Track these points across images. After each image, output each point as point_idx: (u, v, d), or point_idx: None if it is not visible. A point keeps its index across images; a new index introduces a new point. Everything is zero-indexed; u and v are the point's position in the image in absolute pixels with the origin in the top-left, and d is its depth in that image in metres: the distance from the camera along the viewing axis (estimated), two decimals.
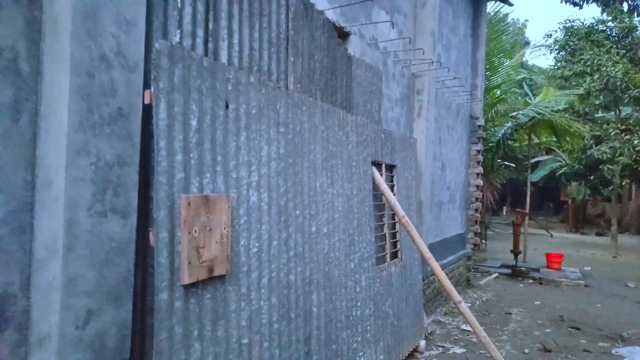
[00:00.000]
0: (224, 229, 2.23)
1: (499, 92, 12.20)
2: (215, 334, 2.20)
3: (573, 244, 16.56)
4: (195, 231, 2.05)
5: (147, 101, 1.97)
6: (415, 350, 4.98)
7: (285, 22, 3.15)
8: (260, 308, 2.53)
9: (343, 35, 4.15)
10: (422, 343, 5.15)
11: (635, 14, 20.38)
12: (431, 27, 5.81)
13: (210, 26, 2.58)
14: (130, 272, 2.05)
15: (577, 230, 20.70)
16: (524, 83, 18.40)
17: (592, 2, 20.79)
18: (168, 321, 1.95)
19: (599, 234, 19.62)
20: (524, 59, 34.87)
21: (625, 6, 20.73)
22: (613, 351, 5.45)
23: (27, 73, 1.79)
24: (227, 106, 2.33)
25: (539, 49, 24.75)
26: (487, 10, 9.46)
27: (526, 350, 5.35)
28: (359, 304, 3.69)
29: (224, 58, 2.62)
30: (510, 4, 9.09)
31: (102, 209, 1.90)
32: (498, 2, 9.31)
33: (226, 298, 2.28)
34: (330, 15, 3.83)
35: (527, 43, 38.99)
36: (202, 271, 2.08)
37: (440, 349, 5.30)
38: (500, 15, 10.50)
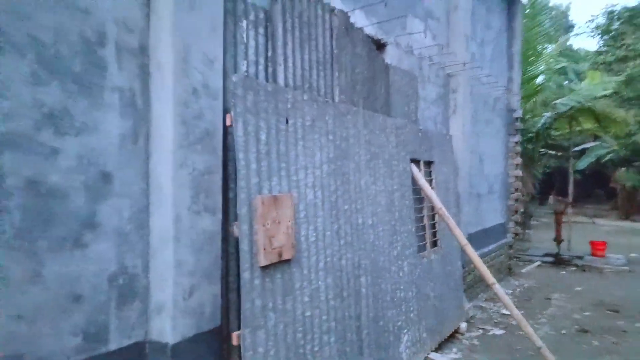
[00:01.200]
0: (289, 221, 2.74)
1: (539, 82, 12.16)
2: (285, 306, 2.72)
3: (622, 231, 16.15)
4: (268, 224, 2.57)
5: (228, 123, 2.51)
6: (456, 331, 5.36)
7: (330, 42, 3.62)
8: (319, 287, 3.04)
9: (380, 46, 4.57)
10: (464, 325, 5.51)
11: None
12: (464, 29, 6.11)
13: (269, 54, 3.09)
14: (218, 257, 2.60)
15: (628, 217, 20.03)
16: (567, 69, 18.01)
17: None
18: (250, 295, 2.48)
19: None
20: (568, 43, 33.71)
21: None
22: None
23: (141, 106, 2.36)
24: (287, 121, 2.84)
25: (584, 33, 23.96)
26: (524, 1, 9.55)
27: (564, 331, 5.61)
28: (402, 286, 4.14)
29: (281, 79, 3.13)
30: None
31: (197, 208, 2.46)
32: None
33: (292, 278, 2.80)
34: (369, 30, 4.26)
35: (571, 27, 37.58)
36: (274, 255, 2.61)
37: (481, 330, 5.65)
38: (537, 7, 10.49)
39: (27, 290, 1.90)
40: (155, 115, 2.37)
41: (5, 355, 1.82)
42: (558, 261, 9.97)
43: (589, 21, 15.02)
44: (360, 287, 3.52)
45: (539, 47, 10.97)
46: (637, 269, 9.45)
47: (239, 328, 2.64)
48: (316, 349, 2.95)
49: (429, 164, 5.07)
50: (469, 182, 6.40)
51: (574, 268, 9.67)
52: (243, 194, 2.47)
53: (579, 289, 7.87)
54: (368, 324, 3.57)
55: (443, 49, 5.70)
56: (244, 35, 2.89)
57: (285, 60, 3.17)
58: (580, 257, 10.17)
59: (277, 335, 2.65)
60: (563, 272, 9.29)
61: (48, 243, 1.96)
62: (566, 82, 17.53)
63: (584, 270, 9.44)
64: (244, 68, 2.88)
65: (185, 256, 2.39)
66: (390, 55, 4.67)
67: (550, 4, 41.27)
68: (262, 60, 3.03)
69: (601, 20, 14.60)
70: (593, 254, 10.48)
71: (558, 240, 10.19)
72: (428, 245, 4.91)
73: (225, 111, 2.64)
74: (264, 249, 2.53)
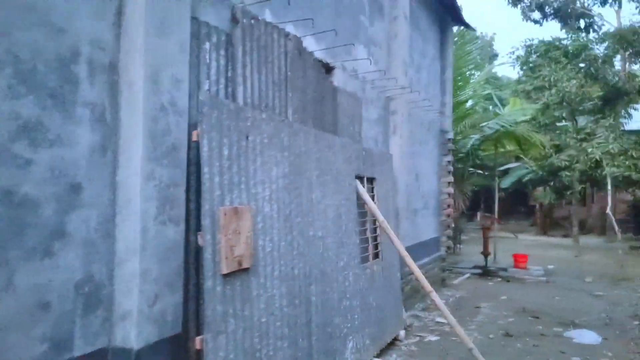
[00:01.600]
0: (248, 232, 2.93)
1: (468, 106, 13.22)
2: (243, 312, 2.88)
3: (541, 245, 17.65)
4: (229, 234, 2.74)
5: (194, 139, 2.67)
6: (395, 338, 5.70)
7: (285, 65, 3.89)
8: (274, 295, 3.22)
9: (329, 70, 4.91)
10: (402, 332, 5.88)
11: (591, 29, 21.99)
12: (402, 55, 6.65)
13: (229, 74, 3.29)
14: (181, 266, 2.73)
15: (545, 232, 21.92)
16: (492, 95, 19.60)
17: (552, 19, 22.33)
18: (212, 301, 2.63)
19: (564, 236, 20.84)
20: (493, 71, 36.57)
21: (582, 23, 22.35)
22: (564, 334, 6.30)
23: (110, 121, 2.47)
24: (247, 138, 3.05)
25: (506, 63, 26.30)
26: (454, 31, 10.46)
27: (491, 336, 6.15)
28: (348, 295, 4.41)
29: (240, 98, 3.34)
30: (473, 29, 10.07)
31: (162, 219, 2.58)
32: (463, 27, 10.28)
33: (250, 286, 2.97)
34: (318, 54, 4.58)
35: (495, 55, 40.90)
36: (234, 264, 2.77)
37: (418, 337, 6.04)
38: (466, 39, 11.50)
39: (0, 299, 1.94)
40: (125, 129, 2.48)
41: None
42: (485, 273, 10.77)
43: (510, 52, 16.44)
44: (311, 296, 3.75)
45: (468, 74, 11.97)
46: (554, 280, 10.44)
47: (198, 334, 2.76)
48: (271, 353, 3.13)
49: (371, 180, 5.44)
50: (406, 198, 6.88)
51: (500, 279, 10.49)
52: (207, 205, 2.63)
53: (504, 298, 8.58)
54: (317, 330, 3.79)
55: (385, 73, 6.17)
56: (207, 57, 3.08)
57: (244, 80, 3.38)
58: (504, 269, 11.05)
59: (237, 340, 2.80)
60: (490, 283, 10.06)
61: (20, 252, 2.02)
62: (491, 107, 19.09)
63: (508, 281, 10.28)
64: (206, 87, 3.06)
65: (150, 265, 2.50)
66: (338, 79, 5.02)
67: (477, 33, 44.59)
68: (222, 80, 3.22)
69: (521, 52, 16.13)
70: (516, 266, 11.42)
71: (485, 253, 11.02)
72: (371, 257, 5.24)
73: (190, 127, 2.80)
74: (226, 258, 2.70)
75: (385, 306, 5.37)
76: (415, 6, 7.71)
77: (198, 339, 2.58)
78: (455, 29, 10.52)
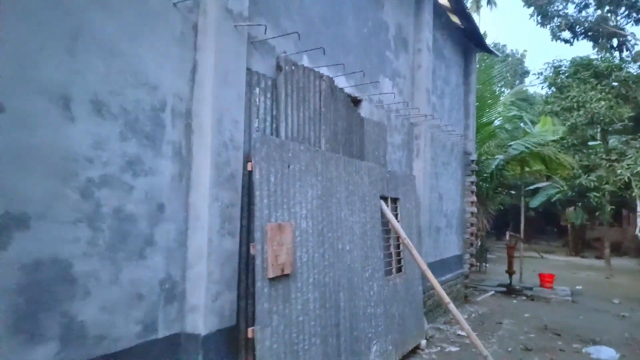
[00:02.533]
0: (289, 244, 3.56)
1: (494, 126, 13.59)
2: (284, 311, 3.50)
3: (571, 266, 17.56)
4: (275, 245, 3.38)
5: (249, 169, 3.34)
6: (417, 347, 6.17)
7: (319, 102, 4.55)
8: (308, 298, 3.83)
9: (356, 102, 5.55)
10: (423, 342, 6.34)
11: (625, 48, 21.93)
12: (425, 84, 7.24)
13: (274, 112, 3.98)
14: (236, 271, 3.38)
15: (577, 253, 21.66)
16: (522, 115, 19.78)
17: (582, 39, 22.40)
18: (261, 299, 3.26)
19: (597, 257, 20.54)
20: (524, 88, 36.54)
21: (615, 41, 22.32)
22: (583, 350, 6.60)
23: (185, 155, 3.17)
24: (288, 167, 3.70)
25: (534, 85, 26.43)
26: (479, 56, 10.97)
27: (509, 349, 6.52)
28: (372, 304, 4.96)
29: (282, 132, 4.01)
30: (497, 55, 10.55)
31: (223, 232, 3.25)
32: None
33: (289, 289, 3.59)
34: (348, 90, 5.24)
35: (527, 72, 40.77)
36: (278, 270, 3.40)
37: (439, 347, 6.48)
38: (490, 62, 11.97)
39: (110, 289, 2.63)
40: (196, 162, 3.18)
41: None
42: (510, 291, 11.02)
43: (538, 73, 16.68)
44: (340, 301, 4.33)
45: (491, 98, 12.39)
46: (580, 300, 10.59)
47: (247, 327, 3.40)
48: (306, 347, 3.72)
49: (395, 200, 6.00)
50: (429, 217, 7.38)
51: (524, 297, 10.72)
52: (258, 222, 3.28)
53: (527, 315, 8.86)
54: (345, 332, 4.36)
55: (408, 104, 6.77)
56: (257, 99, 3.77)
57: (286, 117, 4.06)
58: (530, 288, 11.26)
59: (279, 334, 3.41)
60: (514, 301, 10.32)
61: (124, 254, 2.71)
62: (522, 124, 19.28)
63: (533, 300, 10.50)
64: (255, 124, 3.75)
65: (214, 268, 3.16)
66: (364, 110, 5.65)
67: (508, 51, 44.41)
68: (269, 118, 3.90)
69: (548, 72, 16.35)
70: (542, 286, 11.60)
71: (510, 272, 11.28)
72: (394, 270, 5.77)
73: (244, 158, 3.48)
74: (272, 265, 3.33)
75: (407, 316, 5.87)
76: (439, 36, 8.31)
77: (250, 329, 3.21)
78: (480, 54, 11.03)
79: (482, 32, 9.93)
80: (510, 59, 41.32)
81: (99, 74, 2.60)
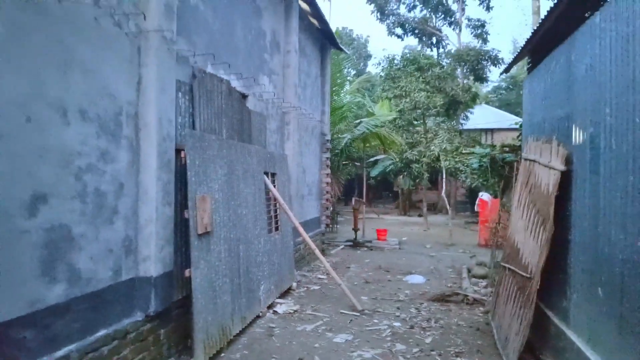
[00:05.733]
0: (209, 210, 4.87)
1: (343, 110, 16.02)
2: (207, 257, 4.84)
3: (401, 223, 21.54)
4: (200, 211, 4.67)
5: (182, 155, 4.53)
6: (290, 288, 7.97)
7: (220, 100, 5.81)
8: (221, 249, 5.21)
9: (244, 97, 6.89)
10: (294, 284, 8.17)
11: (440, 46, 26.68)
12: (293, 80, 8.85)
13: (191, 110, 5.15)
14: (172, 231, 4.58)
15: (405, 213, 26.29)
16: (365, 96, 22.94)
17: (411, 35, 26.58)
18: (194, 249, 4.55)
19: (419, 215, 25.34)
20: (367, 70, 40.86)
21: (434, 39, 26.98)
22: (403, 279, 9.21)
23: (136, 146, 4.23)
24: (206, 152, 4.96)
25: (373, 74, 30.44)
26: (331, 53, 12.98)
27: (355, 283, 8.78)
28: (260, 254, 6.52)
29: (197, 125, 5.21)
30: (346, 52, 12.68)
31: (164, 202, 4.42)
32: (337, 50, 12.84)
33: (210, 242, 4.93)
34: (239, 88, 6.54)
35: (369, 56, 45.48)
36: (203, 228, 4.71)
37: (305, 288, 8.40)
38: (340, 57, 14.15)
39: (93, 245, 3.69)
40: (143, 151, 4.26)
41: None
42: (355, 244, 13.65)
43: (378, 63, 19.67)
44: (240, 252, 5.78)
45: (341, 88, 14.67)
46: (405, 247, 13.71)
47: (181, 271, 4.67)
48: (220, 284, 5.12)
49: (273, 175, 7.57)
50: (296, 187, 9.15)
51: (366, 248, 13.44)
52: (190, 194, 4.53)
53: (367, 260, 11.41)
54: (244, 274, 5.85)
55: (281, 97, 8.30)
56: (179, 101, 4.90)
57: (200, 114, 5.26)
58: (370, 241, 14.06)
59: (204, 274, 4.75)
60: (358, 251, 12.92)
61: (100, 221, 3.77)
62: (367, 102, 22.47)
63: (372, 250, 13.27)
64: (179, 120, 4.89)
65: (159, 229, 4.34)
66: (250, 103, 7.03)
67: (353, 35, 48.35)
68: (187, 115, 5.07)
69: (385, 63, 19.45)
70: (378, 239, 14.54)
71: (355, 229, 13.91)
72: (273, 229, 7.40)
73: (177, 148, 4.64)
74: (199, 224, 4.63)
75: (283, 265, 7.59)
76: (302, 37, 9.95)
77: (187, 270, 4.50)
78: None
79: (334, 29, 11.87)
80: (355, 42, 45.56)
81: (81, 89, 3.56)
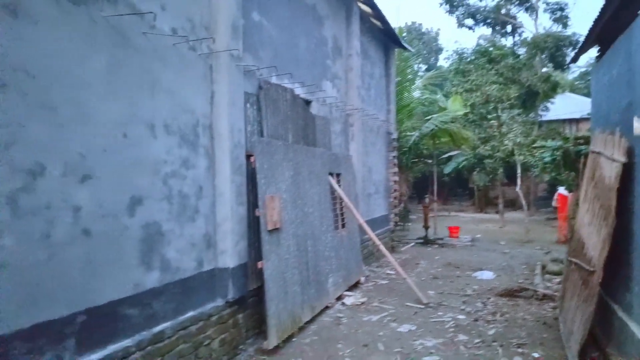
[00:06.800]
0: (278, 209, 5.37)
1: (411, 105, 16.02)
2: (277, 251, 5.35)
3: (476, 220, 20.98)
4: (270, 210, 5.18)
5: (252, 160, 5.08)
6: (358, 282, 8.32)
7: (286, 107, 6.32)
8: (290, 244, 5.70)
9: (308, 103, 7.36)
10: (363, 279, 8.51)
11: (516, 34, 25.50)
12: (356, 82, 9.19)
13: (259, 119, 5.70)
14: (245, 227, 5.15)
15: (482, 210, 25.46)
16: (437, 91, 22.59)
17: (482, 25, 25.68)
18: (265, 243, 5.07)
19: (496, 212, 24.41)
20: (438, 64, 39.91)
21: (509, 28, 25.83)
22: (472, 275, 9.17)
23: (211, 153, 4.84)
24: (273, 157, 5.48)
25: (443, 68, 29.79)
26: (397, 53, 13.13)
27: (423, 278, 8.92)
28: (327, 249, 6.95)
29: (264, 132, 5.75)
30: (411, 50, 12.75)
31: (238, 203, 4.99)
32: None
33: (279, 237, 5.43)
34: (302, 95, 7.03)
35: (441, 49, 44.37)
36: (272, 225, 5.22)
37: (373, 282, 8.70)
38: (406, 55, 14.21)
39: (179, 240, 4.32)
40: (218, 158, 4.86)
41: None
42: (426, 242, 13.66)
43: (446, 58, 19.34)
44: (308, 247, 6.25)
45: (408, 86, 14.69)
46: (477, 244, 13.47)
47: (255, 263, 5.22)
48: (290, 275, 5.62)
49: (338, 175, 7.97)
50: (362, 186, 9.48)
51: (437, 246, 13.39)
52: (260, 195, 5.06)
53: (437, 257, 11.43)
54: (312, 267, 6.31)
55: (344, 98, 8.69)
56: (248, 111, 5.47)
57: (266, 121, 5.80)
58: (441, 239, 13.98)
59: (275, 266, 5.27)
60: (429, 249, 12.93)
61: (184, 219, 4.39)
62: (438, 95, 22.12)
63: (443, 247, 13.20)
64: (249, 128, 5.46)
65: (234, 226, 4.91)
66: (314, 108, 7.49)
67: (423, 29, 47.43)
68: (255, 123, 5.63)
69: (454, 57, 19.07)
70: (450, 236, 14.40)
71: (425, 226, 13.91)
72: (340, 226, 7.80)
73: (246, 153, 5.20)
74: (269, 221, 5.14)
75: (351, 259, 7.97)
76: (365, 40, 10.26)
77: (260, 262, 5.04)
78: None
79: (402, 25, 12.02)
80: (425, 37, 44.70)
81: (165, 107, 4.21)
